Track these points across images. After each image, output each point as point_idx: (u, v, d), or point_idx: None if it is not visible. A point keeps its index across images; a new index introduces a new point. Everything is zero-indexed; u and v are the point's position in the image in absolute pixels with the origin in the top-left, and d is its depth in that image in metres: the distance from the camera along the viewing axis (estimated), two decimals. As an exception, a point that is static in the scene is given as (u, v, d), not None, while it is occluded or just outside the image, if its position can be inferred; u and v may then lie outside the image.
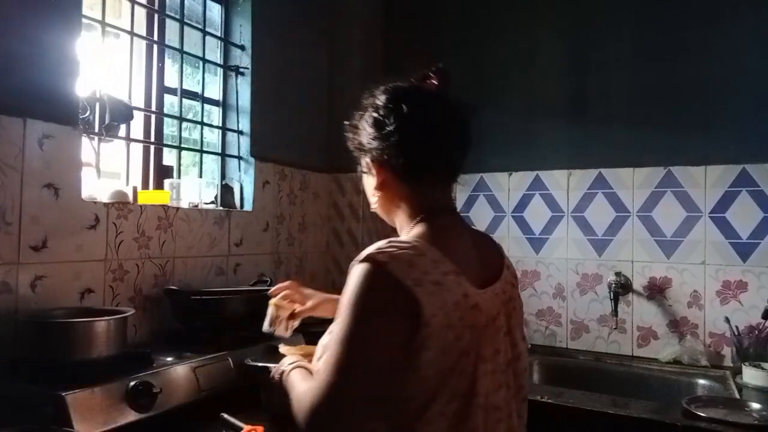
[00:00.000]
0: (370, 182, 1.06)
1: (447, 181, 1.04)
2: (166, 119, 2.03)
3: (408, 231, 0.99)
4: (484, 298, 0.90)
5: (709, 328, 2.04)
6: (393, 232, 1.07)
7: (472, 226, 1.12)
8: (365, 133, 1.02)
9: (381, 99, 1.01)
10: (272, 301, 1.40)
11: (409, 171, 0.99)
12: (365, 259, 0.86)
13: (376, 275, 0.84)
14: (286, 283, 1.43)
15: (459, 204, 2.53)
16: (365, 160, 1.04)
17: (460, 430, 0.86)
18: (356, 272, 0.86)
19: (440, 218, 0.98)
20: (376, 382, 0.84)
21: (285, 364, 1.11)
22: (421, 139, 0.98)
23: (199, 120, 2.13)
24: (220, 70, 2.21)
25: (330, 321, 1.07)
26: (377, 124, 1.00)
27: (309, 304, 1.38)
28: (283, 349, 1.33)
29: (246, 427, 1.24)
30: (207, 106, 2.17)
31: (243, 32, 2.20)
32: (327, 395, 0.83)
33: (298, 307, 1.38)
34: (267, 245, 2.22)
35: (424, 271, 0.84)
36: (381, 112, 1.00)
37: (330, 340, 0.87)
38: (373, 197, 1.06)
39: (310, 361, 1.12)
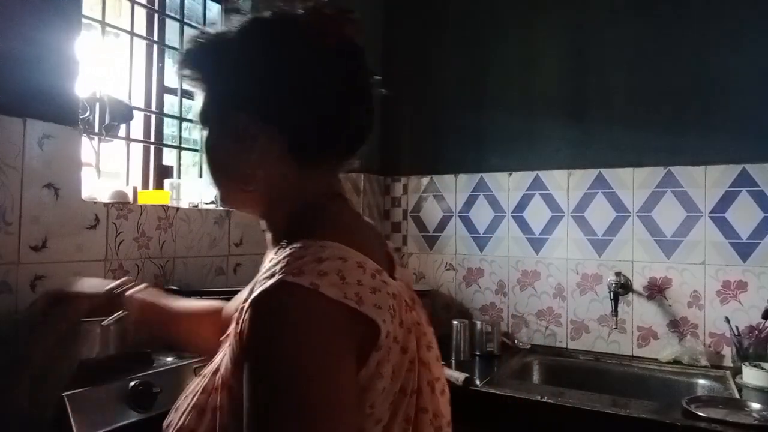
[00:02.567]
0: (230, 150, 0.72)
1: (344, 159, 0.77)
2: (166, 119, 2.03)
3: (288, 226, 0.72)
4: (401, 290, 0.69)
5: (709, 328, 2.04)
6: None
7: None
8: (243, 74, 0.70)
9: (277, 32, 0.70)
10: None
11: (308, 141, 0.71)
12: (281, 288, 0.58)
13: (310, 306, 0.57)
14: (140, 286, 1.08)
15: (459, 204, 2.53)
16: (233, 116, 0.70)
17: None
18: (270, 311, 0.58)
19: (335, 206, 0.75)
20: None
21: None
22: (333, 99, 0.71)
23: (199, 120, 2.12)
24: (220, 70, 2.21)
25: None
26: (291, 64, 0.69)
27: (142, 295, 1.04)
28: None
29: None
30: (207, 106, 2.17)
31: (243, 32, 2.20)
32: None
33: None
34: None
35: (357, 280, 0.61)
36: (301, 49, 0.69)
37: (251, 417, 0.56)
38: (236, 174, 0.73)
39: None
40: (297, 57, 0.69)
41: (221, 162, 0.75)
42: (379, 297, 0.62)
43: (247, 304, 0.60)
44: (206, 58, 0.72)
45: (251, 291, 0.61)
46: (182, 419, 0.68)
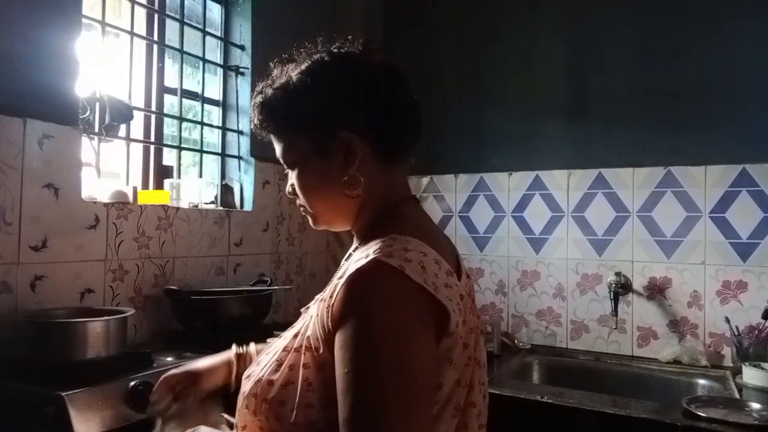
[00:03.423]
0: (335, 163, 0.82)
1: (409, 160, 0.89)
2: (166, 119, 2.03)
3: (374, 224, 0.83)
4: (466, 293, 0.79)
5: (709, 328, 2.04)
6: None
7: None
8: (341, 96, 0.82)
9: (361, 62, 0.85)
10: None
11: (389, 144, 0.83)
12: (374, 266, 0.68)
13: (397, 283, 0.67)
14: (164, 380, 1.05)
15: (459, 204, 2.53)
16: (334, 133, 0.81)
17: None
18: (364, 284, 0.68)
19: (412, 207, 0.86)
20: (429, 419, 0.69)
21: None
22: (407, 110, 0.86)
23: (199, 120, 2.13)
24: (220, 70, 2.21)
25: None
26: (362, 86, 0.82)
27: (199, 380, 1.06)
28: None
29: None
30: (207, 106, 2.17)
31: (243, 32, 2.21)
32: None
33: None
34: (267, 245, 2.22)
35: (435, 273, 0.70)
36: (365, 73, 0.84)
37: (352, 379, 0.65)
38: (342, 183, 0.81)
39: None
40: (370, 79, 0.83)
41: (327, 176, 0.84)
42: (450, 292, 0.71)
43: (342, 281, 0.69)
44: (299, 96, 0.83)
45: (342, 276, 0.71)
46: (263, 371, 0.79)
